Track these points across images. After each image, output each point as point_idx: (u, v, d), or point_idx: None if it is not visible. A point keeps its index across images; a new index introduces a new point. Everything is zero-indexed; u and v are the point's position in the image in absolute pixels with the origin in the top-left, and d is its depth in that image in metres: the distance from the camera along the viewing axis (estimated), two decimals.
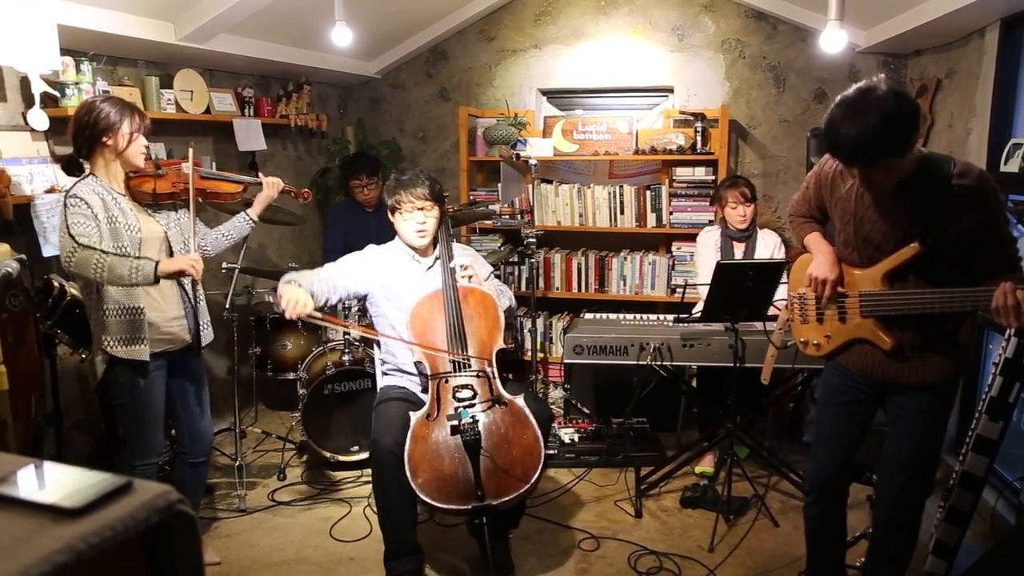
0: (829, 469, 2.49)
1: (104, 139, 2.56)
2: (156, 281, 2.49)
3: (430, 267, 3.04)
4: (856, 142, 1.99)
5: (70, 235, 2.46)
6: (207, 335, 2.88)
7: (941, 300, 2.11)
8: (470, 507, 2.62)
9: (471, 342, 2.90)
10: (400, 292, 2.97)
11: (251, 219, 3.04)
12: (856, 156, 2.06)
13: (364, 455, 3.85)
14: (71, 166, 2.67)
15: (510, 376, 4.53)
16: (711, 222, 4.68)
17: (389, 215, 3.05)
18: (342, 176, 4.91)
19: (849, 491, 2.54)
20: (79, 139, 2.58)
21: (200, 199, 2.86)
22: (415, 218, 2.97)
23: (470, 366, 2.86)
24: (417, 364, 2.95)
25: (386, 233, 3.19)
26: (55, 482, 0.80)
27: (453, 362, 2.85)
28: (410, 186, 2.95)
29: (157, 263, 2.48)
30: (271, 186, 3.04)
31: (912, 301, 2.16)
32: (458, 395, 2.77)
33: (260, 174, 3.07)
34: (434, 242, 3.07)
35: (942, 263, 2.14)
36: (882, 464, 2.40)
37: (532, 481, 2.68)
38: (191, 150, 2.83)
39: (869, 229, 2.23)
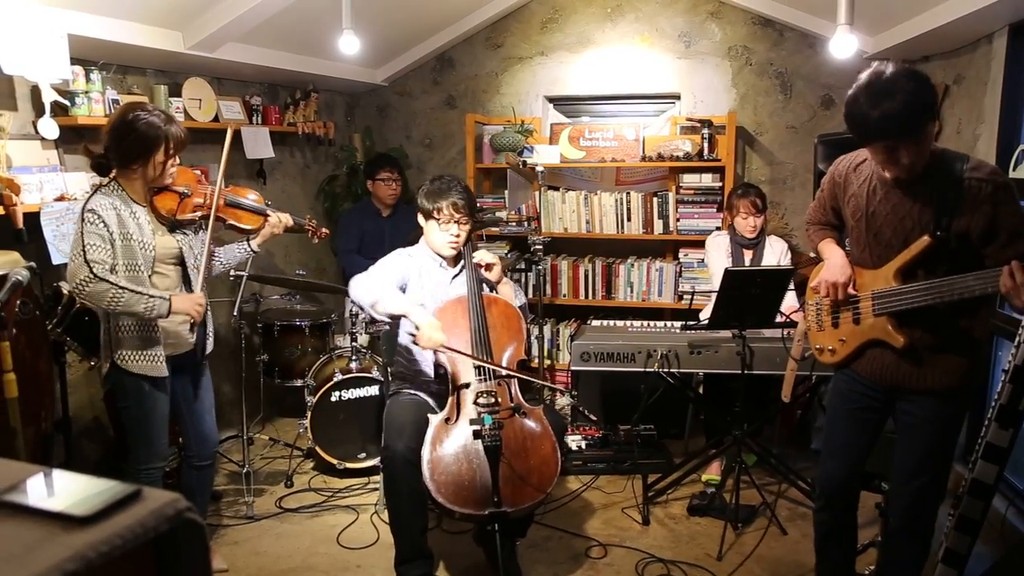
0: (839, 476, 2.48)
1: (134, 165, 2.55)
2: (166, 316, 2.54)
3: (456, 275, 3.05)
4: (881, 119, 2.02)
5: (86, 260, 2.43)
6: (209, 344, 2.89)
7: (952, 287, 2.09)
8: (486, 513, 2.61)
9: (494, 350, 2.90)
10: (425, 297, 2.98)
11: (251, 250, 2.99)
12: (886, 130, 2.06)
13: (371, 462, 3.85)
14: (101, 167, 2.65)
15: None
16: (719, 228, 4.67)
17: (421, 219, 3.04)
18: (364, 175, 4.93)
19: (860, 498, 2.53)
20: (110, 152, 2.56)
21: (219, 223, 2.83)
22: (450, 230, 2.97)
23: (493, 373, 2.86)
24: (437, 368, 2.94)
25: (399, 237, 3.19)
26: (64, 490, 0.80)
27: (476, 368, 2.85)
28: (452, 197, 2.94)
29: (170, 303, 2.53)
30: (277, 224, 2.97)
31: (924, 292, 2.14)
32: (479, 401, 2.77)
33: (269, 209, 2.99)
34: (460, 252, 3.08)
35: (953, 259, 2.13)
36: (894, 473, 2.39)
37: (547, 491, 2.68)
38: (220, 172, 2.77)
39: (881, 224, 2.23)
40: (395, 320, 3.00)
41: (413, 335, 2.84)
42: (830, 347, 2.44)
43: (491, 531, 2.67)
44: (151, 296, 2.50)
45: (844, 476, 2.47)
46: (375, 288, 2.88)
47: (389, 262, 3.04)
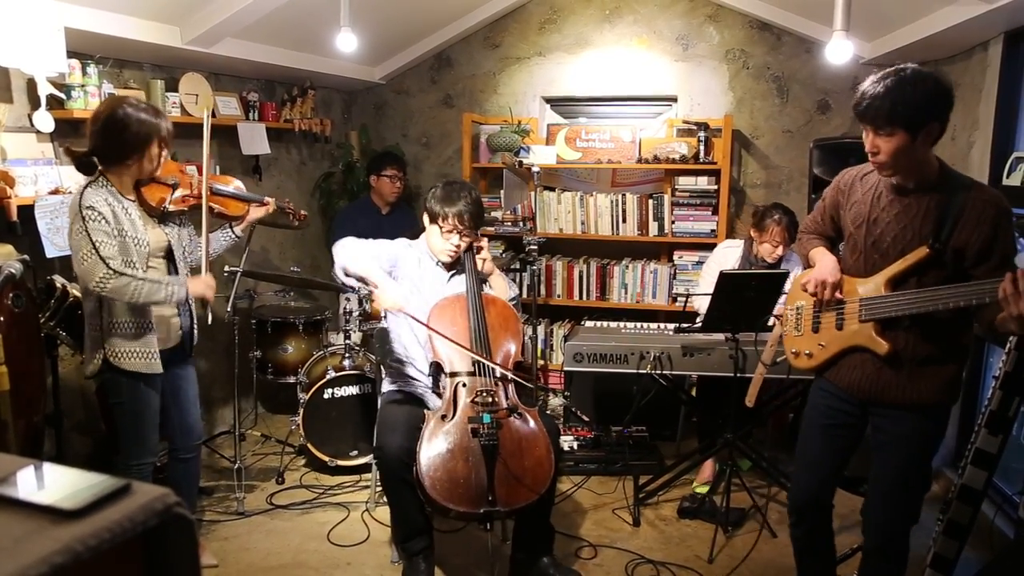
0: (810, 491, 2.48)
1: (129, 161, 2.55)
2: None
3: (454, 274, 3.05)
4: (878, 95, 2.06)
5: (100, 258, 2.43)
6: (195, 335, 2.90)
7: (945, 296, 2.10)
8: (480, 511, 2.61)
9: (493, 350, 2.90)
10: (424, 290, 2.97)
11: (235, 235, 3.03)
12: (871, 110, 2.09)
13: (363, 459, 3.85)
14: (86, 166, 2.63)
15: None
16: (713, 231, 4.68)
17: (425, 219, 3.02)
18: (368, 170, 4.92)
19: (834, 508, 2.53)
20: (101, 149, 2.55)
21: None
22: (451, 239, 2.95)
23: (491, 371, 2.85)
24: (433, 365, 2.92)
25: (396, 236, 3.19)
26: (54, 483, 0.80)
27: (474, 364, 2.84)
28: (460, 207, 2.90)
29: (187, 286, 2.60)
30: (260, 208, 3.02)
31: (915, 299, 2.15)
32: (476, 399, 2.77)
33: (253, 195, 3.04)
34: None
35: (944, 273, 2.14)
36: (868, 492, 2.41)
37: (541, 493, 2.68)
38: (205, 156, 2.79)
39: (881, 231, 2.23)
40: (367, 286, 2.97)
41: (370, 295, 2.85)
42: (807, 351, 2.43)
43: (488, 530, 2.69)
44: (168, 283, 2.57)
45: (815, 490, 2.47)
46: (354, 253, 2.90)
47: (387, 243, 3.05)
